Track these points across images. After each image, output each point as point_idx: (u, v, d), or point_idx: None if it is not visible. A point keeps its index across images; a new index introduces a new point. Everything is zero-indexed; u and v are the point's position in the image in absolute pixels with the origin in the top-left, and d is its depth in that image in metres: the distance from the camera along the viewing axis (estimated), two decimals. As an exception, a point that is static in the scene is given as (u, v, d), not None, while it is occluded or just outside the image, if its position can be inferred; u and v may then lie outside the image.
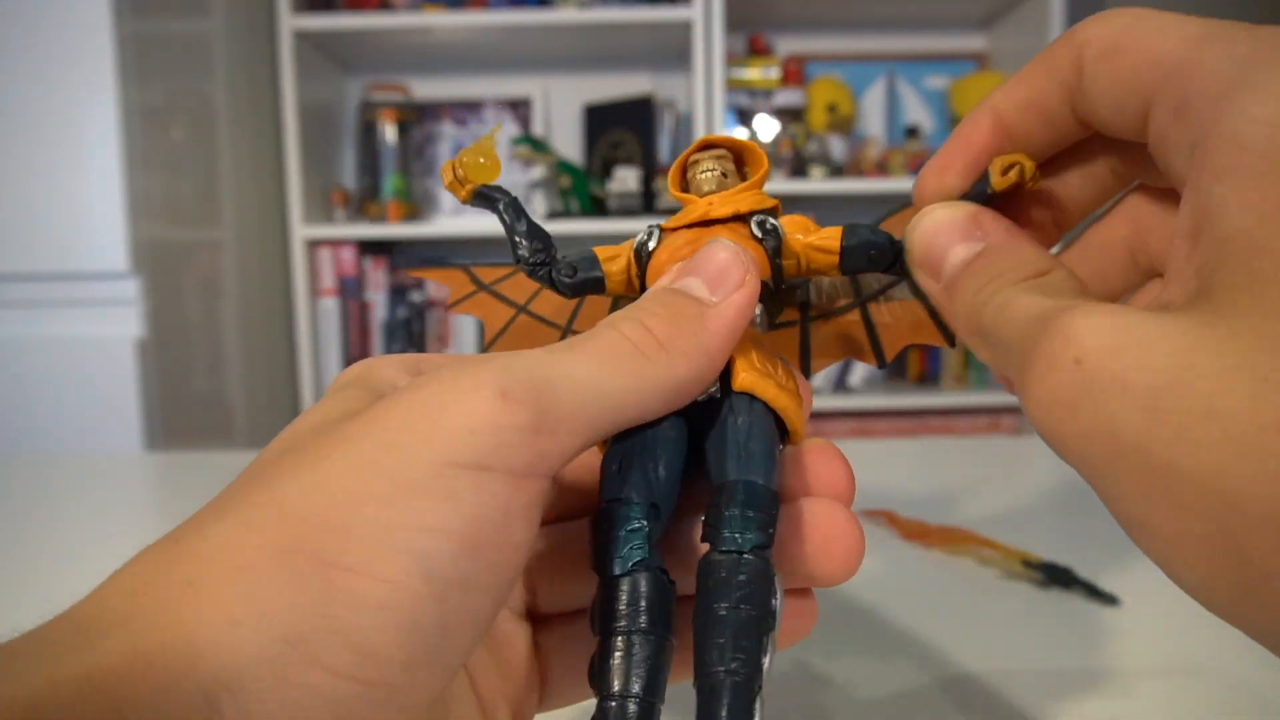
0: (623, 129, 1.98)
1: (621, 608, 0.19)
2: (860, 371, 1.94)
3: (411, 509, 0.16)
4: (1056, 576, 0.44)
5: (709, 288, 0.21)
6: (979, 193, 0.22)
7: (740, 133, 2.00)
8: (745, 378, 0.21)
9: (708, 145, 0.25)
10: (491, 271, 0.32)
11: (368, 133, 1.99)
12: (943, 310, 0.22)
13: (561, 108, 2.12)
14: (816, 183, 1.86)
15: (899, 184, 1.83)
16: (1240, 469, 0.14)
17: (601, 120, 2.03)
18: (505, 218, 0.25)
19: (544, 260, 0.25)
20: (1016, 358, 0.18)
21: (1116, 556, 0.48)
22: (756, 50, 2.04)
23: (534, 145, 1.92)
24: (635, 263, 0.25)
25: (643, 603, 0.19)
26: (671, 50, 1.99)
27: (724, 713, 0.18)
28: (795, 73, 2.02)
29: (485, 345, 0.31)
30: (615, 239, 0.28)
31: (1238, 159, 0.16)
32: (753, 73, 2.00)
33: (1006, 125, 0.22)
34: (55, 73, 1.39)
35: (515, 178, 1.99)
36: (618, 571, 0.19)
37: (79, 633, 0.16)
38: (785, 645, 0.22)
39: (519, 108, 2.12)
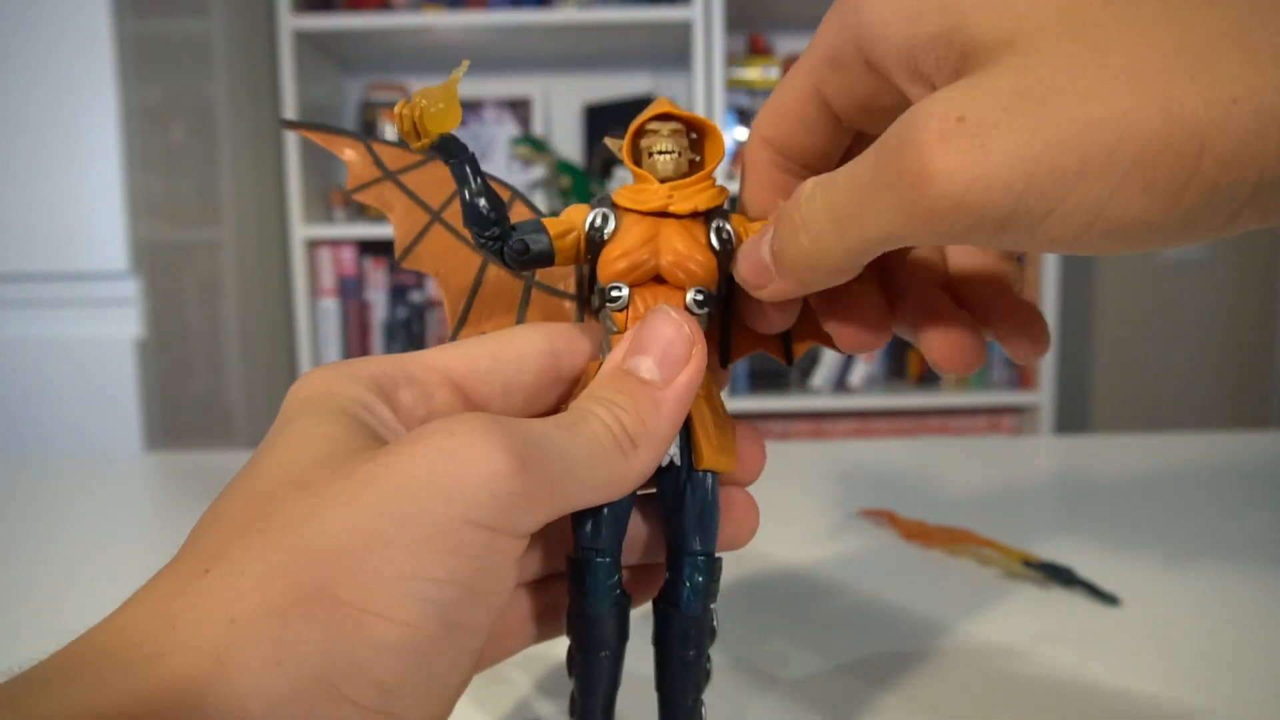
0: (623, 129, 1.97)
1: (599, 635, 0.24)
2: (860, 371, 1.94)
3: (429, 559, 0.18)
4: (1056, 576, 0.44)
5: (659, 367, 0.23)
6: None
7: (741, 133, 2.00)
8: (708, 459, 0.24)
9: (665, 117, 0.24)
10: (395, 154, 0.29)
11: (368, 133, 1.98)
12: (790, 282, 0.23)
13: (561, 108, 2.12)
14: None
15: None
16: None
17: (601, 120, 2.03)
18: (468, 178, 0.23)
19: (499, 235, 0.24)
20: (871, 189, 0.19)
21: (1116, 556, 0.48)
22: (756, 50, 2.04)
23: (534, 145, 1.92)
24: (587, 244, 0.25)
25: (611, 631, 0.24)
26: (671, 50, 1.99)
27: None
28: (795, 73, 2.02)
29: (397, 254, 0.28)
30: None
31: None
32: (753, 73, 2.00)
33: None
34: (55, 73, 1.39)
35: (516, 178, 1.98)
36: (600, 613, 0.24)
37: (111, 661, 0.16)
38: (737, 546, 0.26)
39: (519, 108, 2.12)
